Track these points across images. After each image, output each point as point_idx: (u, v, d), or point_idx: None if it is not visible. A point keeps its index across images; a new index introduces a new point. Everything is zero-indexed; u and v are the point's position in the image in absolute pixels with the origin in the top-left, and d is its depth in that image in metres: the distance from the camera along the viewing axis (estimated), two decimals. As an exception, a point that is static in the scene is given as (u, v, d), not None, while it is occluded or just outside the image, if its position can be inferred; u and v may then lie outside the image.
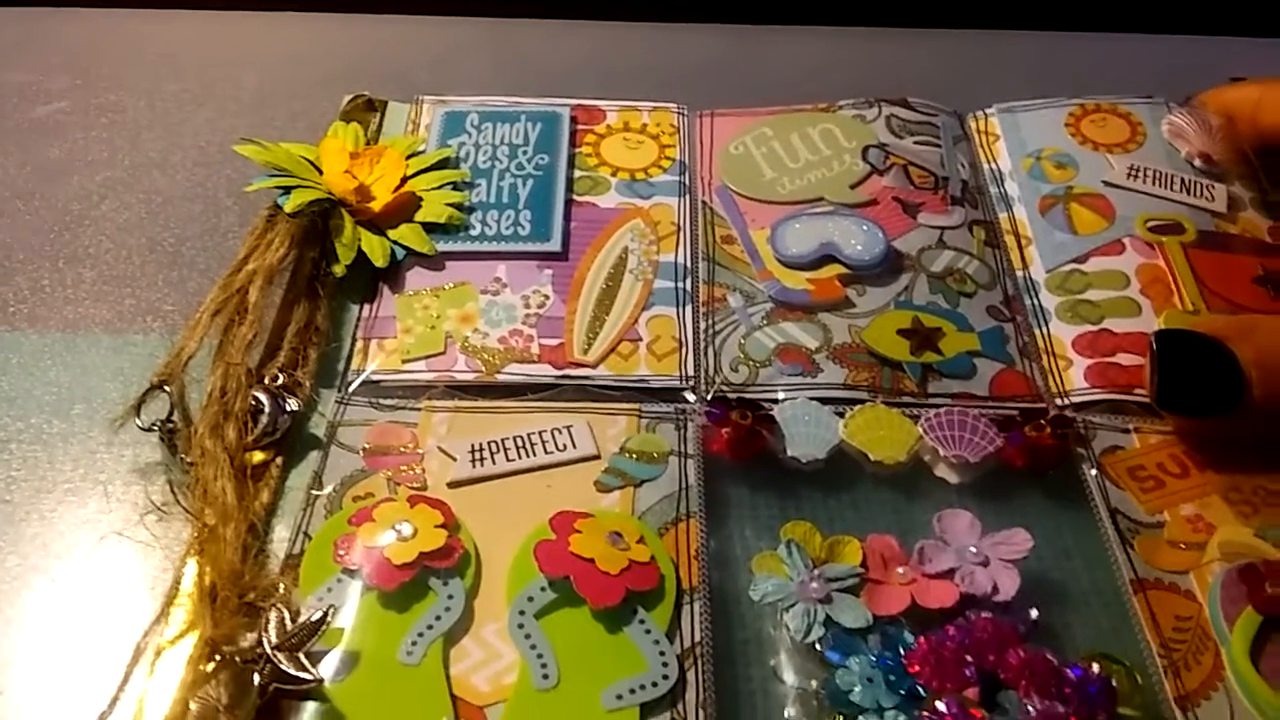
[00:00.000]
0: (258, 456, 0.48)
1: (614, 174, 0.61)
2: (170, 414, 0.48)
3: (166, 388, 0.48)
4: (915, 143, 0.63)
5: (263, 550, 0.46)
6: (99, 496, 0.48)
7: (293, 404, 0.49)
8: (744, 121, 0.65)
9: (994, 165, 0.63)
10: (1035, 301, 0.56)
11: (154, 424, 0.48)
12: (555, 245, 0.57)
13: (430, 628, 0.43)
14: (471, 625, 0.44)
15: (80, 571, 0.46)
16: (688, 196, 0.61)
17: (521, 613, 0.44)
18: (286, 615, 0.42)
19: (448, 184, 0.59)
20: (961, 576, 0.45)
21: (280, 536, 0.47)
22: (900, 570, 0.45)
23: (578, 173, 0.61)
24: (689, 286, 0.56)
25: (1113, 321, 0.54)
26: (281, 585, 0.44)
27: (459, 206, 0.58)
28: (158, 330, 0.54)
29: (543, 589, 0.44)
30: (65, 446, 0.50)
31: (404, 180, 0.58)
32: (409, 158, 0.60)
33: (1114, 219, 0.59)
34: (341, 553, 0.45)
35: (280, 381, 0.50)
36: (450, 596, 0.44)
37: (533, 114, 0.64)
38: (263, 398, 0.49)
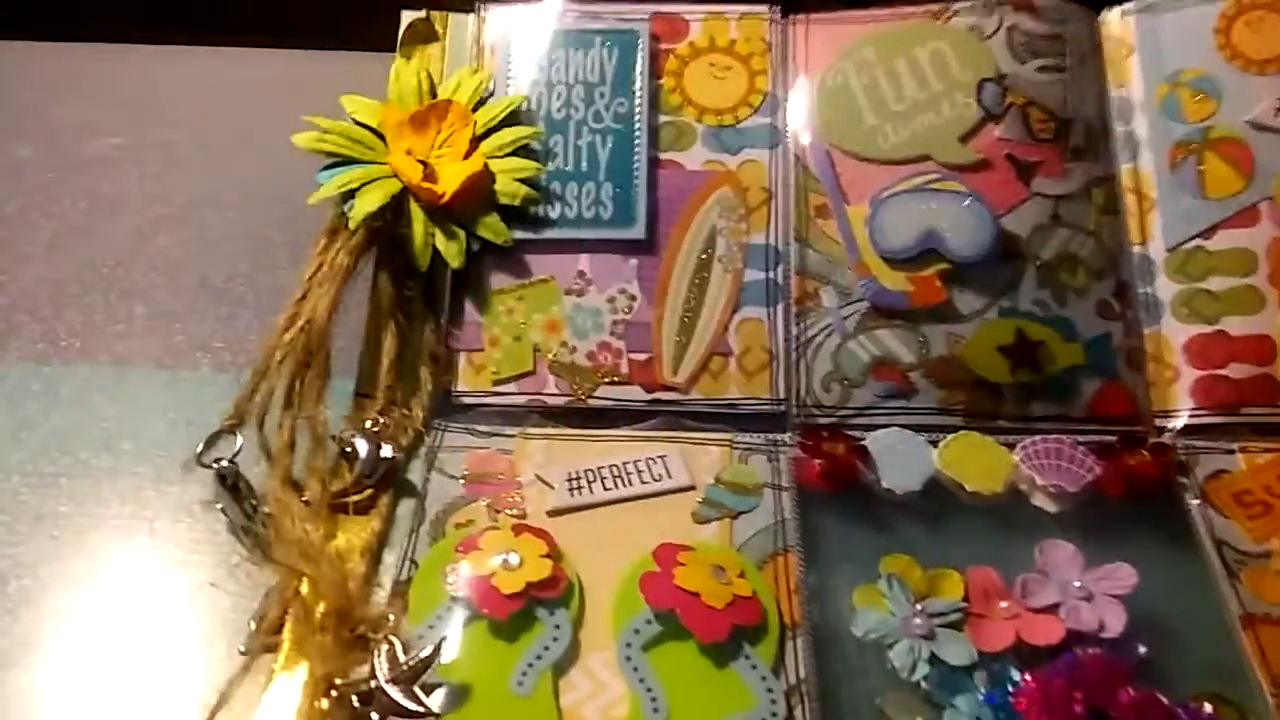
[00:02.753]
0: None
1: (700, 118, 0.56)
2: (235, 455, 0.49)
3: (236, 432, 0.49)
4: (1038, 69, 0.55)
5: (373, 579, 0.48)
6: (145, 533, 0.50)
7: (388, 450, 0.50)
8: (844, 33, 0.57)
9: (1124, 93, 0.56)
10: (1149, 291, 0.53)
11: (219, 467, 0.49)
12: (640, 232, 0.54)
13: (539, 658, 0.44)
14: (578, 656, 0.45)
15: (131, 611, 0.47)
16: (780, 149, 0.56)
17: (629, 645, 0.45)
18: (398, 646, 0.43)
19: (520, 146, 0.54)
20: (1066, 612, 0.44)
21: (387, 562, 0.49)
22: (1003, 605, 0.45)
23: (661, 117, 0.56)
24: (780, 277, 0.53)
25: (1230, 321, 0.52)
26: (390, 615, 0.45)
27: (533, 182, 0.54)
28: (207, 366, 0.55)
29: (648, 621, 0.45)
30: (113, 482, 0.51)
31: (473, 143, 0.54)
32: (475, 108, 0.55)
33: (1252, 176, 0.53)
34: (450, 581, 0.46)
35: (379, 425, 0.50)
36: (557, 626, 0.45)
37: (608, 35, 0.57)
38: (359, 442, 0.49)
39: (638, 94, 0.56)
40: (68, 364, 0.56)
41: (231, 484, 0.48)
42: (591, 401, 0.52)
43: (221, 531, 0.49)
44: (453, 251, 0.52)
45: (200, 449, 0.49)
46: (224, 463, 0.48)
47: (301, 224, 0.56)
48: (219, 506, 0.48)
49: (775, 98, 0.56)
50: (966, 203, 0.52)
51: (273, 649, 0.45)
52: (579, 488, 0.50)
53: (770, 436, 0.51)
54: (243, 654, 0.44)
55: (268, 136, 0.64)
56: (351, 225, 0.51)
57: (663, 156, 0.55)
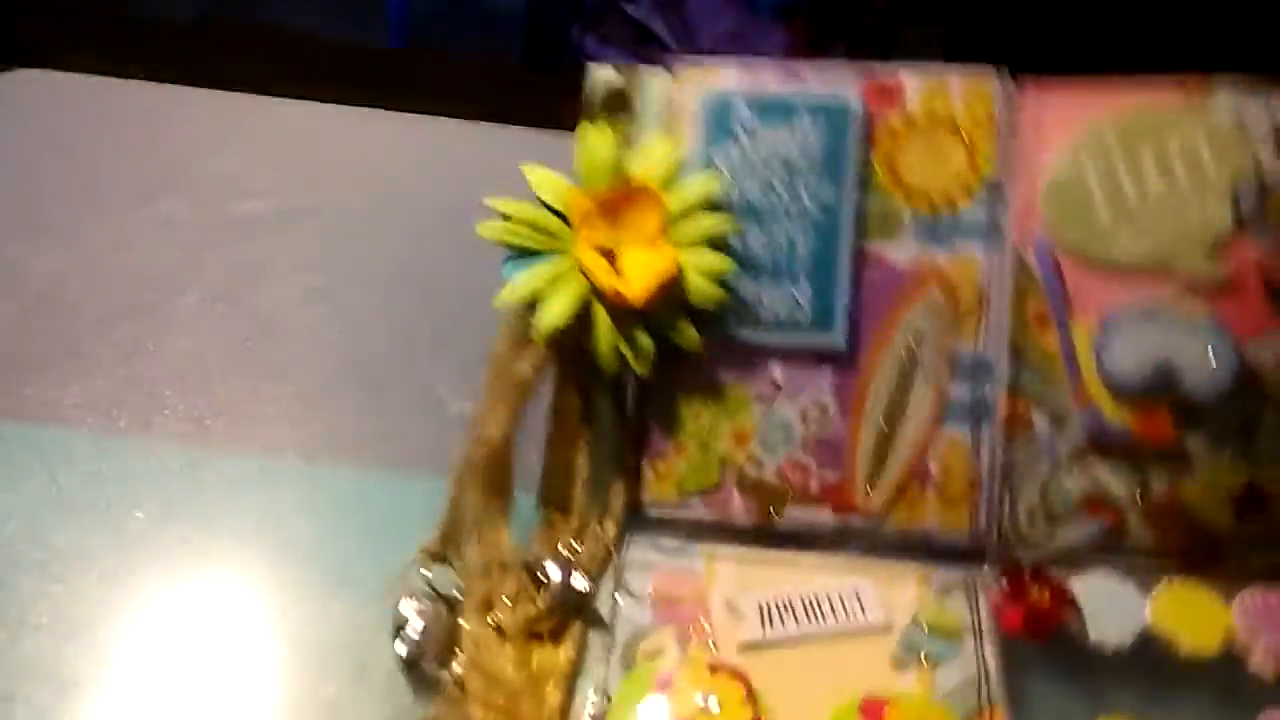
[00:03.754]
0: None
1: (910, 204, 0.51)
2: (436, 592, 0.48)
3: (448, 562, 0.49)
4: (1307, 168, 0.48)
5: (569, 712, 0.47)
6: (271, 638, 0.49)
7: (581, 581, 0.49)
8: (1083, 108, 0.50)
9: (1405, 193, 0.49)
10: (1404, 435, 0.48)
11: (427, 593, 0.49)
12: (839, 342, 0.50)
13: None
14: None
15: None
16: (999, 247, 0.50)
17: None
18: None
19: (714, 236, 0.50)
20: None
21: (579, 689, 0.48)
22: None
23: (869, 200, 0.51)
24: (989, 394, 0.50)
25: None
26: None
27: (726, 282, 0.50)
28: (350, 463, 0.55)
29: None
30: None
31: (662, 231, 0.50)
32: (666, 188, 0.50)
33: None
34: None
35: (573, 550, 0.49)
36: None
37: (814, 105, 0.51)
38: (550, 568, 0.49)
39: (846, 177, 0.51)
40: (209, 446, 0.56)
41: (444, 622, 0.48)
42: (779, 522, 0.50)
43: (358, 642, 0.49)
44: (640, 360, 0.50)
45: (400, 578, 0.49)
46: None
47: (444, 306, 0.57)
48: (405, 635, 0.47)
49: (998, 185, 0.51)
50: (1208, 331, 0.47)
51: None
52: (771, 620, 0.48)
53: (970, 573, 0.49)
54: None
55: (415, 205, 0.65)
56: (539, 339, 0.49)
57: (868, 248, 0.51)
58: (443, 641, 0.47)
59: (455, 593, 0.48)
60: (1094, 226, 0.50)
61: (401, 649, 0.47)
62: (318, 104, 0.72)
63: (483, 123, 0.68)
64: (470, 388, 0.56)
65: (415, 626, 0.47)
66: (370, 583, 0.49)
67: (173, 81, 0.72)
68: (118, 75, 0.73)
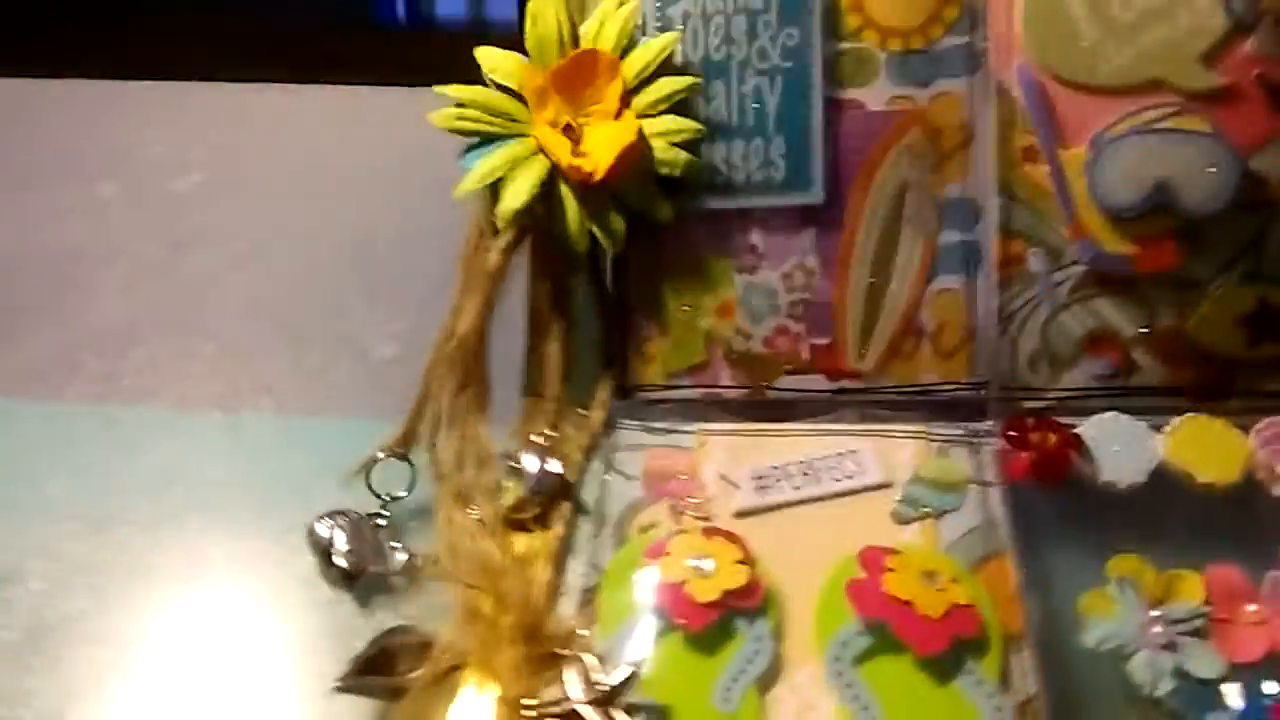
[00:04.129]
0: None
1: (883, 42, 0.47)
2: (411, 488, 0.48)
3: (408, 459, 0.47)
4: (1305, -42, 0.45)
5: (558, 588, 0.46)
6: (192, 584, 0.48)
7: (556, 465, 0.47)
8: (1059, -82, 0.46)
9: None
10: None
11: (382, 502, 0.48)
12: (817, 197, 0.47)
13: (743, 673, 0.42)
14: (782, 670, 0.42)
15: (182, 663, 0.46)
16: (979, 77, 0.47)
17: (838, 659, 0.42)
18: (591, 664, 0.42)
19: (677, 99, 0.48)
20: None
21: (570, 569, 0.47)
22: (1250, 608, 0.41)
23: (839, 45, 0.48)
24: (980, 238, 0.47)
25: None
26: (580, 630, 0.44)
27: (693, 145, 0.48)
28: (269, 410, 0.54)
29: (858, 633, 0.42)
30: (161, 531, 0.49)
31: (622, 99, 0.47)
32: (623, 54, 0.48)
33: None
34: (641, 589, 0.44)
35: (547, 438, 0.48)
36: (758, 639, 0.42)
37: (772, -55, 0.48)
38: (526, 459, 0.47)
39: (811, 20, 0.47)
40: (127, 404, 0.55)
41: (365, 529, 0.47)
42: (770, 394, 0.48)
43: (275, 581, 0.47)
44: (611, 235, 0.47)
45: (360, 470, 0.48)
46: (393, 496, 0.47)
47: (371, 261, 0.59)
48: (339, 551, 0.46)
49: (974, 10, 0.47)
50: (1206, 144, 0.44)
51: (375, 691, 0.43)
52: (766, 487, 0.47)
53: (971, 426, 0.47)
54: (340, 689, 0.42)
55: (349, 175, 0.66)
56: (501, 223, 0.46)
57: (841, 96, 0.48)
58: (373, 545, 0.46)
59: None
60: (1078, 47, 0.46)
61: (341, 563, 0.46)
62: (242, 84, 0.74)
63: (396, 88, 0.69)
64: (394, 332, 0.57)
65: (341, 540, 0.46)
66: (291, 519, 0.48)
67: (108, 77, 0.74)
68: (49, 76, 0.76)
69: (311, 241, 0.64)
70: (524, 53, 0.48)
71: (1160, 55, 0.46)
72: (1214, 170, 0.44)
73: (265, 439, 0.53)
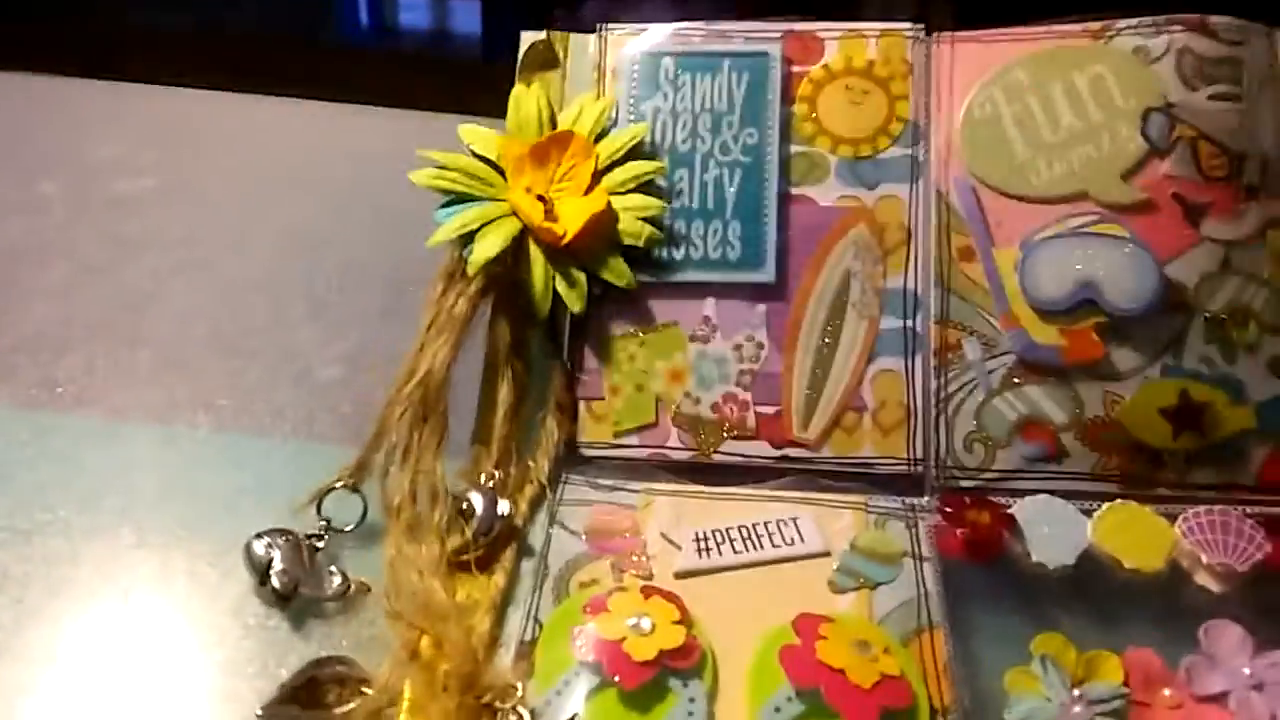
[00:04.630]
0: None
1: (834, 149, 0.52)
2: (363, 518, 0.48)
3: (359, 491, 0.47)
4: (1210, 97, 0.50)
5: (498, 639, 0.45)
6: (117, 600, 0.46)
7: (505, 507, 0.48)
8: (994, 54, 0.52)
9: (1308, 120, 0.51)
10: (1329, 347, 0.48)
11: (323, 525, 0.47)
12: (769, 275, 0.50)
13: None
14: None
15: (101, 684, 0.44)
16: (921, 184, 0.52)
17: None
18: (525, 718, 0.42)
19: (644, 180, 0.52)
20: (1236, 702, 0.42)
21: (510, 619, 0.46)
22: (1166, 692, 0.42)
23: (792, 148, 0.52)
24: (919, 326, 0.50)
25: None
26: (517, 683, 0.43)
27: (657, 221, 0.51)
28: (206, 426, 0.53)
29: (789, 699, 0.42)
30: (89, 544, 0.48)
31: (594, 177, 0.51)
32: (596, 139, 0.52)
33: None
34: (579, 645, 0.44)
35: (494, 479, 0.48)
36: (692, 700, 0.42)
37: (738, 58, 0.53)
38: (475, 498, 0.48)
39: (769, 124, 0.52)
40: (60, 412, 0.54)
41: (303, 551, 0.46)
42: (716, 457, 0.49)
43: (204, 601, 0.46)
44: (574, 296, 0.50)
45: (310, 501, 0.47)
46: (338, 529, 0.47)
47: (321, 279, 0.57)
48: (275, 570, 0.45)
49: (917, 126, 0.52)
50: (1128, 249, 0.48)
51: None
52: (707, 549, 0.48)
53: (908, 500, 0.48)
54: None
55: (302, 187, 0.66)
56: (471, 271, 0.49)
57: (794, 191, 0.52)
58: (307, 566, 0.46)
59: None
60: (1012, 160, 0.51)
61: (276, 582, 0.45)
62: (201, 91, 0.73)
63: (361, 106, 0.69)
64: (339, 353, 0.57)
65: (277, 559, 0.46)
66: (224, 538, 0.47)
67: (57, 73, 0.73)
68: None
69: (258, 256, 0.62)
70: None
71: (1084, 173, 0.50)
72: (1134, 270, 0.48)
73: (201, 454, 0.52)
